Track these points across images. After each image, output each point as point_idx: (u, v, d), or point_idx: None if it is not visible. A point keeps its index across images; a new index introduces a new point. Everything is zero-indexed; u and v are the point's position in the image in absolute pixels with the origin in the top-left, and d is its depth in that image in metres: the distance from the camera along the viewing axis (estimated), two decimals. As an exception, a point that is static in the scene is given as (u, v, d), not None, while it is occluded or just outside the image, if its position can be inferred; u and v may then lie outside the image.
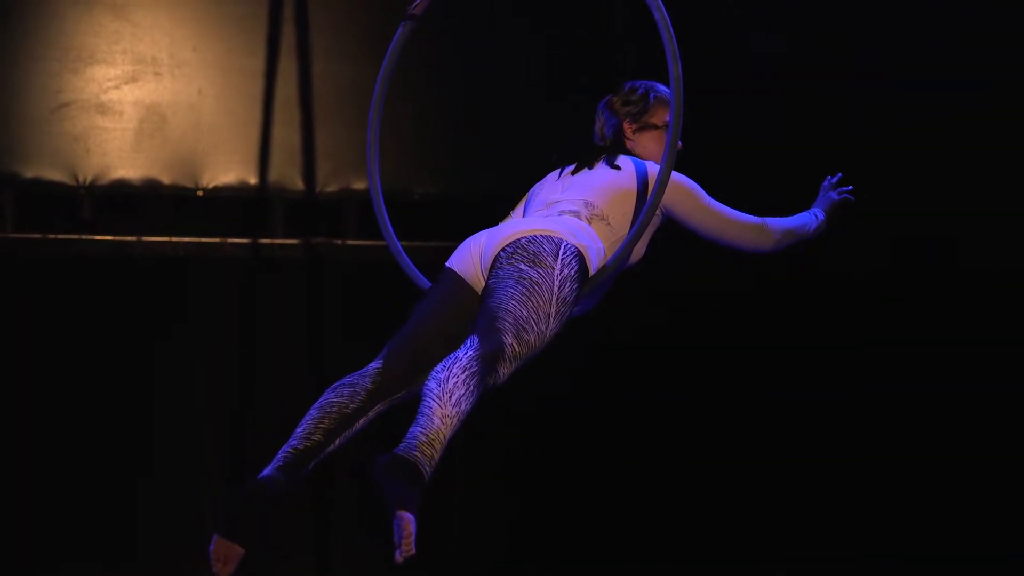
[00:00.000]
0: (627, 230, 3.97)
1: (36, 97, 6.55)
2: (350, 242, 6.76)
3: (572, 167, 4.17)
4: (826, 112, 6.84)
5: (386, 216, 4.22)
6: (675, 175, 4.03)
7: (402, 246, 4.20)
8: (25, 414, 6.53)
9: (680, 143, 4.19)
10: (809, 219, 4.29)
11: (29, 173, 6.54)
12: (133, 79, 6.63)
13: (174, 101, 6.64)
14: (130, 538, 6.61)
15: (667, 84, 4.19)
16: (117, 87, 6.62)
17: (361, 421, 3.70)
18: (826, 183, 4.41)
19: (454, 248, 4.02)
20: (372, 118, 4.29)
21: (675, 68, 3.83)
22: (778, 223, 4.18)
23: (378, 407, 3.72)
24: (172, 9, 6.64)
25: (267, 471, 3.59)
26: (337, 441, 3.68)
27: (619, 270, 3.93)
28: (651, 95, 4.23)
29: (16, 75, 6.54)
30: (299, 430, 3.66)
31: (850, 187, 4.36)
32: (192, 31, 6.66)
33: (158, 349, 6.64)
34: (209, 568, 3.56)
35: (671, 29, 3.83)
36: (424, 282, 4.09)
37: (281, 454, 3.63)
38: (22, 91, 6.55)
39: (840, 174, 4.39)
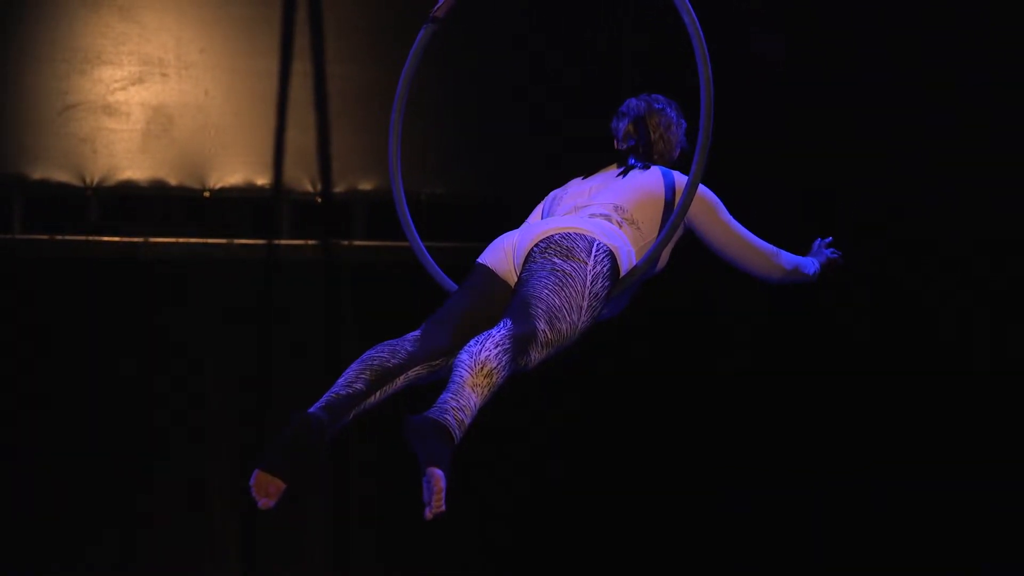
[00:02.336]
0: (655, 235, 4.05)
1: (43, 99, 6.56)
2: (357, 243, 6.77)
3: (598, 172, 4.22)
4: (826, 117, 6.86)
5: (409, 216, 4.25)
6: (701, 188, 4.12)
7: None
8: (32, 415, 6.53)
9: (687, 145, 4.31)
10: (812, 263, 4.42)
11: (36, 175, 6.55)
12: (140, 80, 6.64)
13: (181, 102, 6.65)
14: (138, 539, 6.62)
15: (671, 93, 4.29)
16: (124, 88, 6.63)
17: (401, 379, 3.74)
18: (817, 243, 4.55)
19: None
20: (394, 121, 4.30)
21: (705, 72, 3.88)
22: (789, 257, 4.32)
23: (417, 369, 3.76)
24: (179, 11, 6.65)
25: (310, 409, 3.62)
26: (377, 395, 3.71)
27: (647, 274, 4.00)
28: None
29: (23, 77, 6.55)
30: (341, 379, 3.70)
31: (840, 253, 4.48)
32: (199, 33, 6.67)
33: (164, 349, 6.64)
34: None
35: (701, 33, 3.87)
36: (447, 282, 4.12)
37: (324, 398, 3.66)
38: (29, 93, 6.55)
39: (831, 238, 4.51)
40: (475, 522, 6.79)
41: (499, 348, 3.59)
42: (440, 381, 3.71)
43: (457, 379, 3.53)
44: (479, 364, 3.54)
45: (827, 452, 6.96)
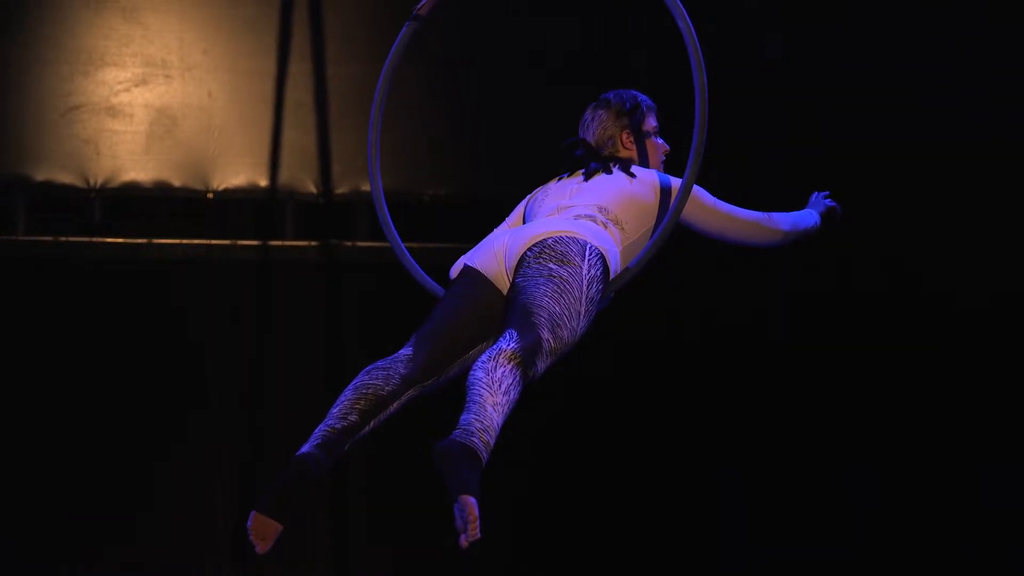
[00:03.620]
0: (639, 234, 4.04)
1: (47, 100, 6.57)
2: (360, 244, 6.77)
3: (576, 174, 4.20)
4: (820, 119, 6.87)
5: (388, 216, 4.22)
6: (678, 181, 4.07)
7: (406, 246, 4.20)
8: (35, 417, 6.54)
9: (668, 145, 4.28)
10: (810, 215, 4.41)
11: (40, 176, 6.56)
12: (143, 82, 6.65)
13: (184, 104, 6.65)
14: (141, 539, 6.62)
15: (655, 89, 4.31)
16: (127, 90, 6.64)
17: (394, 405, 3.72)
18: (815, 196, 4.53)
19: (465, 249, 4.03)
20: (373, 118, 4.27)
21: (700, 77, 3.88)
22: (783, 217, 4.30)
23: (410, 392, 3.74)
24: (182, 12, 6.66)
25: (305, 448, 3.60)
26: (372, 423, 3.69)
27: (638, 274, 3.97)
28: (642, 104, 4.32)
29: (27, 78, 6.56)
30: (335, 410, 3.67)
31: (837, 204, 4.47)
32: (202, 34, 6.67)
33: (167, 350, 6.65)
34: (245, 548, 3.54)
35: (695, 36, 3.86)
36: (429, 282, 4.10)
37: (318, 433, 3.63)
38: (33, 94, 6.56)
39: (828, 191, 4.47)
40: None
41: (512, 363, 3.55)
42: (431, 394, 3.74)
43: (476, 398, 3.49)
44: (496, 382, 3.51)
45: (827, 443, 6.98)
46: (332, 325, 6.75)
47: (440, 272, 4.14)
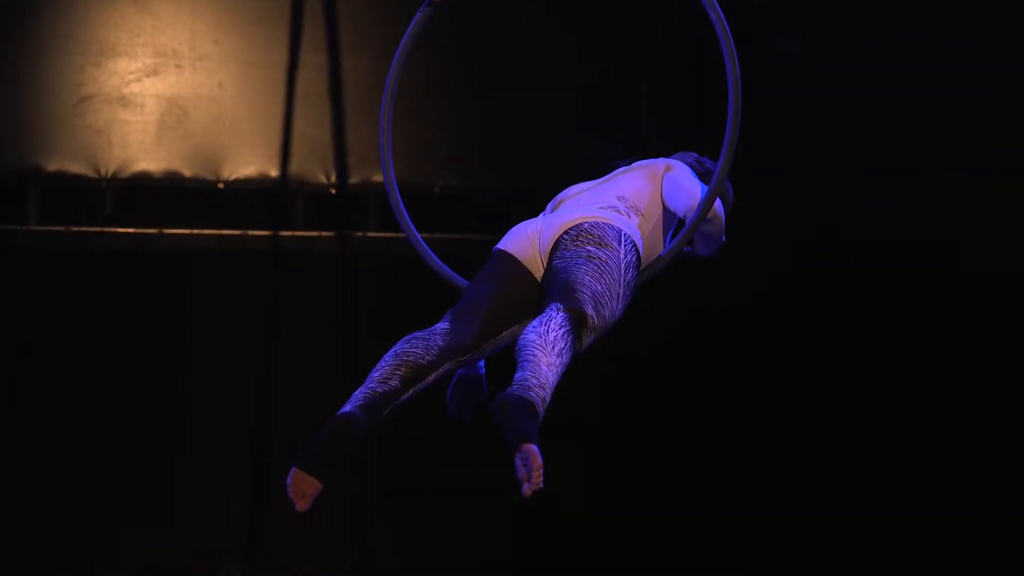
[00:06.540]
0: (654, 221, 4.05)
1: (58, 91, 6.58)
2: (371, 234, 6.78)
3: (607, 174, 4.23)
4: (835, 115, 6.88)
5: (402, 205, 4.20)
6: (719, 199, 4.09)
7: (421, 236, 4.19)
8: (47, 406, 6.56)
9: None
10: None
11: (52, 166, 6.57)
12: (155, 72, 6.66)
13: (195, 94, 6.67)
14: (155, 530, 6.64)
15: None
16: (139, 80, 6.65)
17: (432, 376, 3.70)
18: None
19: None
20: (385, 106, 4.24)
21: (733, 69, 3.87)
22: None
23: (447, 365, 3.73)
24: (194, 2, 6.67)
25: (346, 408, 3.58)
26: (411, 391, 3.67)
27: (667, 265, 3.99)
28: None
29: (38, 69, 6.57)
30: (375, 374, 3.65)
31: None
32: (213, 24, 6.68)
33: (179, 340, 6.66)
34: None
35: (730, 36, 3.86)
36: (445, 269, 4.09)
37: (359, 395, 3.61)
38: (44, 85, 6.57)
39: None
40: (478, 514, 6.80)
41: (563, 329, 3.57)
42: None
43: (531, 357, 3.50)
44: (550, 343, 3.52)
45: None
46: (344, 315, 6.76)
47: (449, 263, 4.15)
